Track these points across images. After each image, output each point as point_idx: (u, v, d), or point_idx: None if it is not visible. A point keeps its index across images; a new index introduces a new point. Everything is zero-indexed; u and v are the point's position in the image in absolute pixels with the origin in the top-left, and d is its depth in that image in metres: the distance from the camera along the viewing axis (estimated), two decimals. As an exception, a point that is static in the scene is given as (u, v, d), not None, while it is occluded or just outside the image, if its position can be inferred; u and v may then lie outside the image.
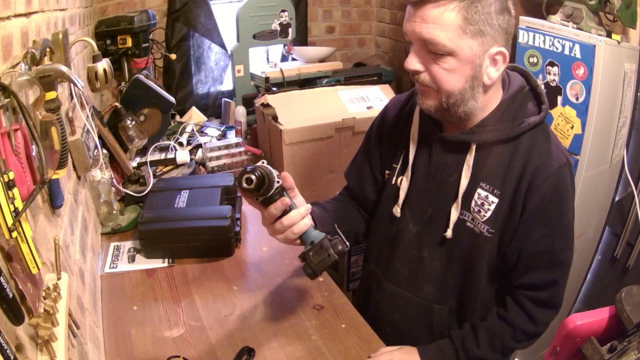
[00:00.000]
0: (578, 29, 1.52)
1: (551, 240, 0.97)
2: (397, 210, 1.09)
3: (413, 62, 0.91)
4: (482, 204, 0.98)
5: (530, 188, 0.94)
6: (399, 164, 1.10)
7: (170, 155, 1.81)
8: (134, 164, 1.75)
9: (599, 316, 0.95)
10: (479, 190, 0.98)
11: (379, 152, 1.17)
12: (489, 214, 0.97)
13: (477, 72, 0.89)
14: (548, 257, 0.98)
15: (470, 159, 0.97)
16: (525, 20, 1.63)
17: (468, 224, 1.00)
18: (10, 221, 0.56)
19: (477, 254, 1.01)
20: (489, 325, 1.02)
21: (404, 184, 1.07)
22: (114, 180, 1.52)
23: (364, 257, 1.28)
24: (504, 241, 0.99)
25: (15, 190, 0.59)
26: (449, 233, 1.01)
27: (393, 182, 1.11)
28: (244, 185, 0.86)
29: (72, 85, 1.16)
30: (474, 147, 0.97)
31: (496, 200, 0.97)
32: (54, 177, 0.84)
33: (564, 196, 0.96)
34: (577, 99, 1.52)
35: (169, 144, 1.91)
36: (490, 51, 0.88)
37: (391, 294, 1.13)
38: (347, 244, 0.91)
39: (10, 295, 0.54)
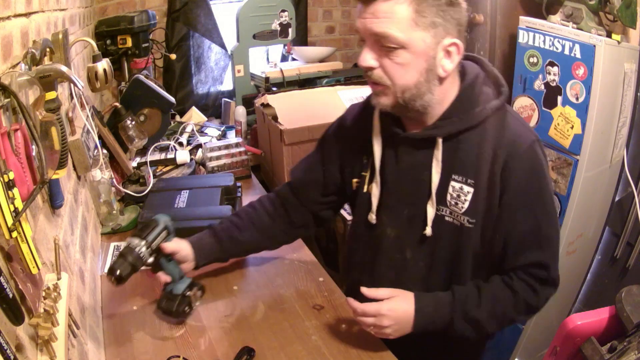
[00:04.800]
0: (578, 29, 1.52)
1: (535, 219, 0.97)
2: (372, 217, 1.08)
3: (367, 59, 0.90)
4: (458, 196, 0.98)
5: (505, 171, 0.94)
6: (368, 172, 1.09)
7: (170, 155, 1.81)
8: (134, 164, 1.75)
9: (599, 316, 0.95)
10: (452, 183, 0.98)
11: (338, 160, 1.15)
12: (467, 204, 0.97)
13: (431, 64, 0.90)
14: (534, 236, 0.97)
15: (438, 153, 0.97)
16: (525, 20, 1.63)
17: (447, 218, 1.00)
18: (10, 221, 0.56)
19: (461, 247, 1.00)
20: (495, 289, 1.00)
21: (374, 190, 1.07)
22: (114, 180, 1.53)
23: (346, 267, 1.25)
24: (487, 228, 0.98)
25: (15, 190, 0.59)
26: (428, 231, 1.00)
27: (365, 190, 1.09)
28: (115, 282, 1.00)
29: (72, 85, 1.16)
30: (440, 141, 0.97)
31: (471, 189, 0.96)
32: (54, 177, 0.84)
33: (540, 173, 0.96)
34: (577, 99, 1.52)
35: (169, 144, 1.91)
36: (443, 43, 0.88)
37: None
38: (193, 306, 1.11)
39: (10, 295, 0.54)
